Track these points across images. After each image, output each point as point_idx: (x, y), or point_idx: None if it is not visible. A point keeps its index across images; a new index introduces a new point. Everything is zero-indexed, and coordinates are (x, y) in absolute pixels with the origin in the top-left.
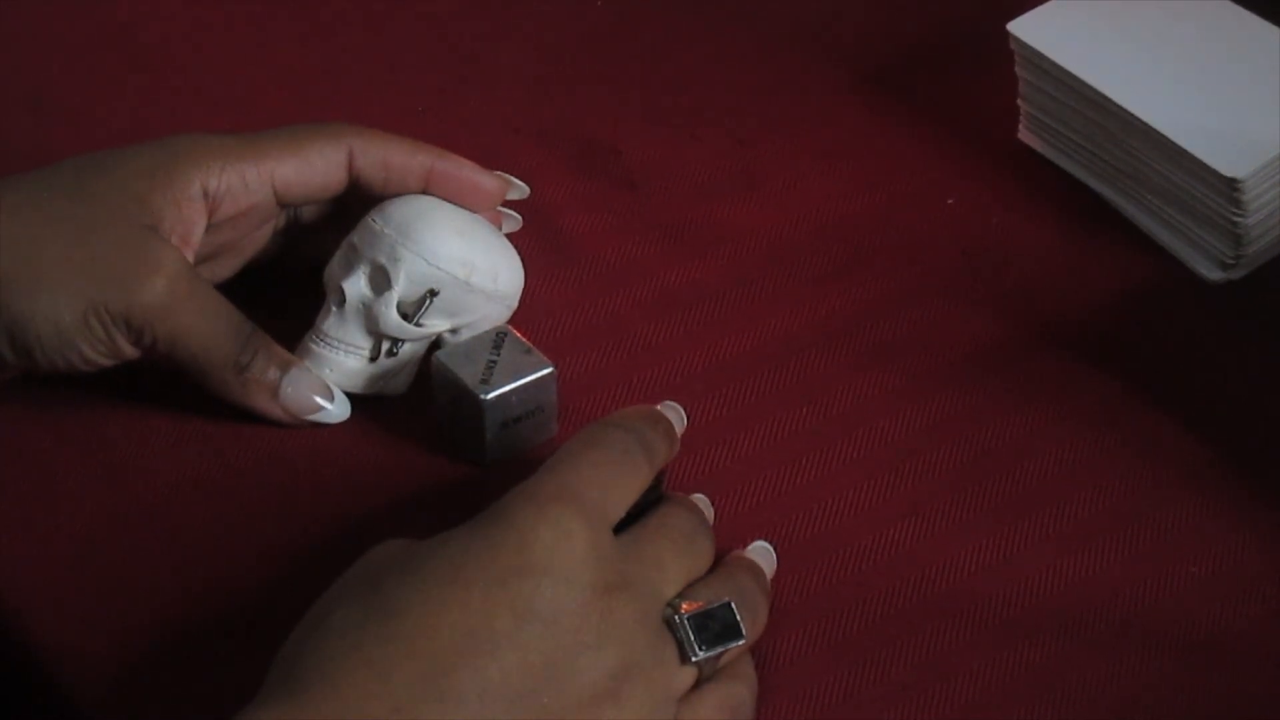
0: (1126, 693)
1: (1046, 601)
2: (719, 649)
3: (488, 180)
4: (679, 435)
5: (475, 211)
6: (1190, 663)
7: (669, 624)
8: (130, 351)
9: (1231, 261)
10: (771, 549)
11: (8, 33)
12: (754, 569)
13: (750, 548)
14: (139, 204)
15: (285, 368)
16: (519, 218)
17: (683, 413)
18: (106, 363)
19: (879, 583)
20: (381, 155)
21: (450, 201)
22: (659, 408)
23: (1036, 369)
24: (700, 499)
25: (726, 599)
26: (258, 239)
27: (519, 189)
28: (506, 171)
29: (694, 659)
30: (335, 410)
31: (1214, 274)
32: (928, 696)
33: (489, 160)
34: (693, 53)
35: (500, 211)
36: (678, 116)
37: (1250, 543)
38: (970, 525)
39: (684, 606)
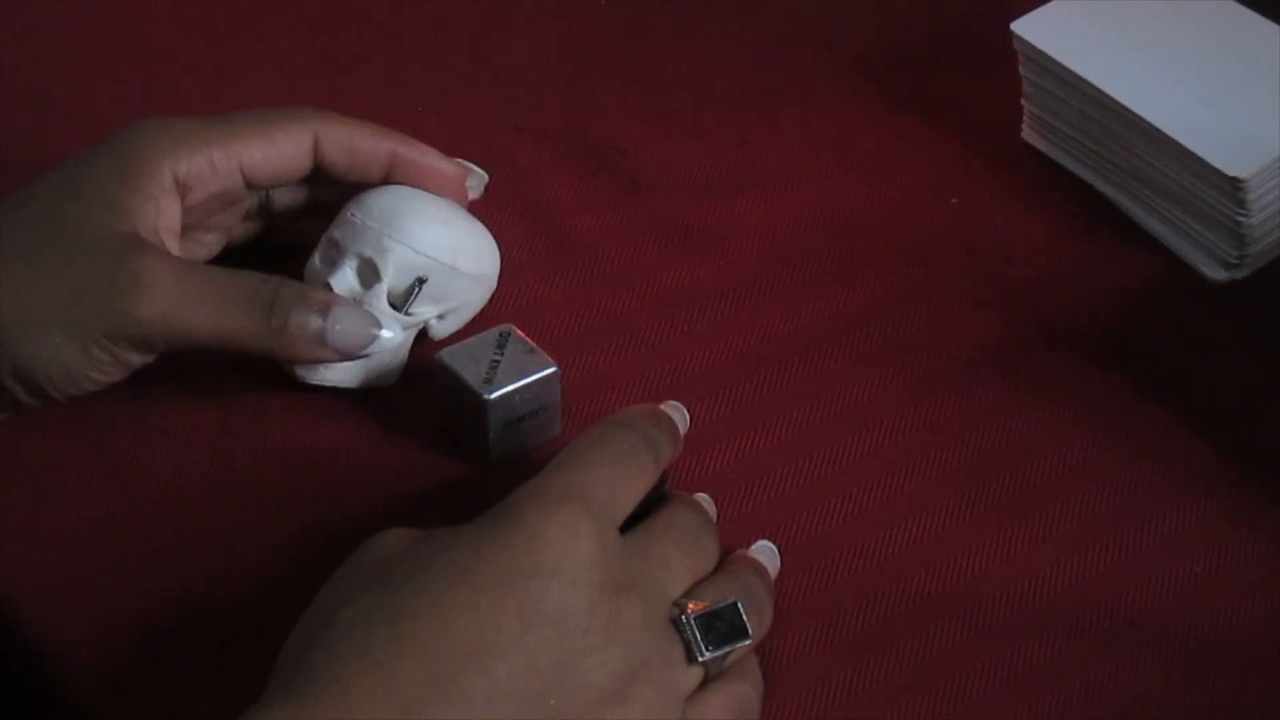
0: (1128, 692)
1: (1049, 601)
2: (726, 649)
3: (449, 167)
4: (682, 434)
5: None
6: (1192, 662)
7: (675, 624)
8: (142, 360)
9: (1235, 261)
10: (775, 549)
11: (11, 32)
12: (759, 568)
13: (754, 547)
14: (115, 212)
15: (325, 310)
16: (483, 175)
17: (686, 412)
18: (122, 377)
19: (882, 582)
20: (347, 140)
21: (414, 187)
22: (662, 407)
23: (1039, 369)
24: (703, 498)
25: (733, 598)
26: (227, 219)
27: (479, 177)
28: (509, 171)
29: (701, 659)
30: (388, 335)
31: (1217, 274)
32: (931, 695)
33: (492, 160)
34: (696, 52)
35: (467, 170)
36: (681, 116)
37: (1252, 543)
38: (973, 525)
39: (690, 606)
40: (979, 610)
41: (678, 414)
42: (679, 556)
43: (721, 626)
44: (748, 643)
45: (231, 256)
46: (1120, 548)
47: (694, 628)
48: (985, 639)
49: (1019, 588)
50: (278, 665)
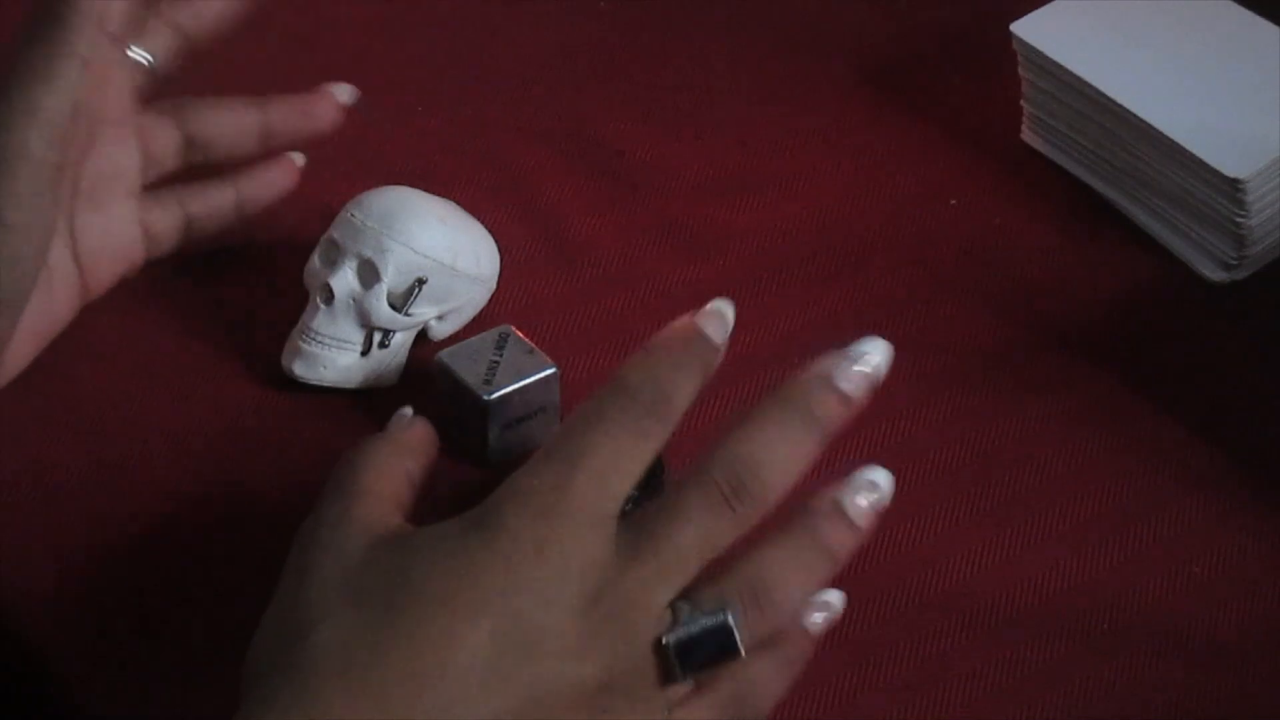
0: (1128, 693)
1: (1048, 602)
2: (707, 671)
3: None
4: (724, 338)
5: (320, 127)
6: (1192, 663)
7: (655, 647)
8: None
9: (1234, 262)
10: (881, 479)
11: (10, 33)
12: (808, 533)
13: (851, 477)
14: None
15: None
16: (301, 156)
17: (728, 313)
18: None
19: (881, 582)
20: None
21: (293, 128)
22: (706, 312)
23: (1038, 370)
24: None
25: (723, 615)
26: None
27: (345, 91)
28: (508, 172)
29: (677, 683)
30: None
31: (1216, 275)
32: (930, 696)
33: (491, 161)
34: (694, 53)
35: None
36: (679, 117)
37: (1252, 543)
38: (972, 525)
39: (676, 628)
40: (978, 610)
41: (716, 323)
42: (674, 551)
43: (705, 650)
44: (737, 660)
45: (218, 262)
46: (1119, 548)
47: (672, 654)
48: (985, 639)
49: (1018, 588)
50: (248, 670)
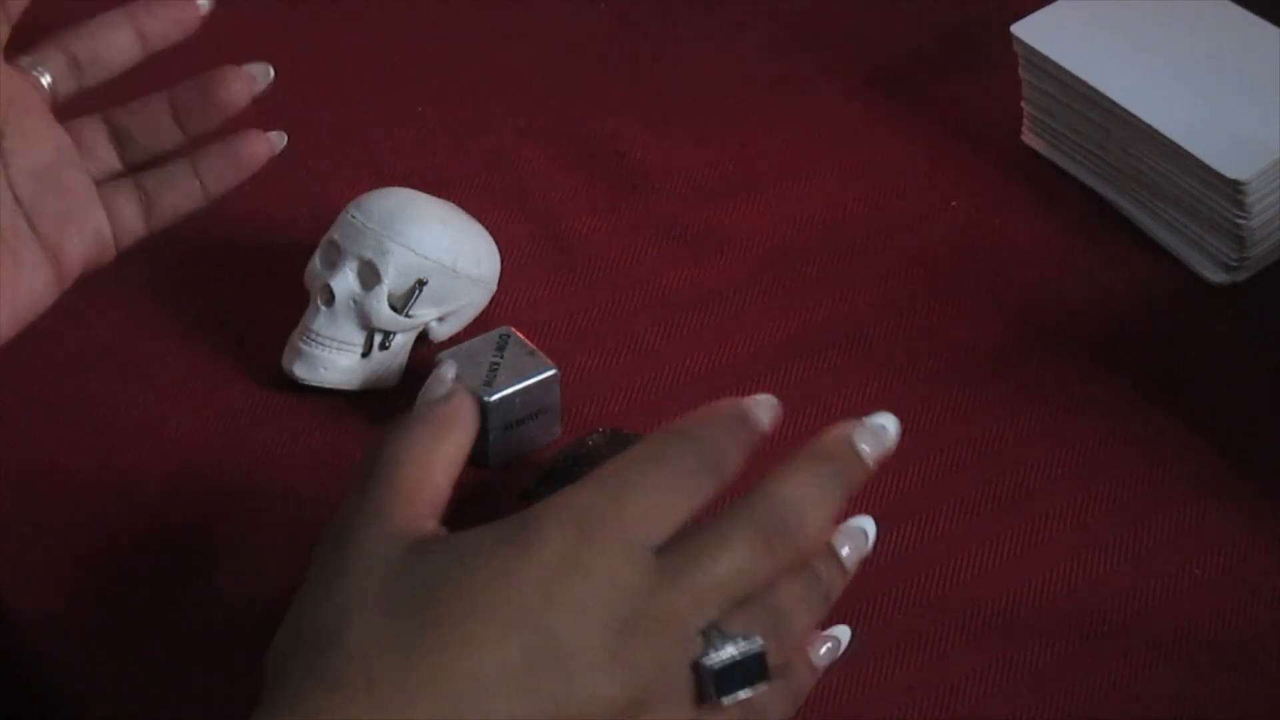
0: (1130, 695)
1: (1050, 604)
2: (739, 694)
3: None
4: (768, 428)
5: (238, 166)
6: (1194, 665)
7: (694, 669)
8: None
9: (1235, 264)
10: (869, 529)
11: (10, 35)
12: (812, 573)
13: (842, 529)
14: None
15: None
16: (284, 134)
17: (776, 406)
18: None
19: (881, 585)
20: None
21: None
22: (750, 401)
23: (1039, 371)
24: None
25: (759, 642)
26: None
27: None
28: (509, 173)
29: (713, 703)
30: None
31: (1217, 276)
32: (930, 696)
33: (492, 161)
34: (696, 54)
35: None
36: (680, 118)
37: (1253, 545)
38: (973, 527)
39: (712, 653)
40: (979, 611)
41: (765, 410)
42: (711, 581)
43: (740, 675)
44: (764, 685)
45: (219, 262)
46: (1120, 550)
47: (713, 677)
48: (986, 641)
49: (1019, 589)
50: (270, 666)
